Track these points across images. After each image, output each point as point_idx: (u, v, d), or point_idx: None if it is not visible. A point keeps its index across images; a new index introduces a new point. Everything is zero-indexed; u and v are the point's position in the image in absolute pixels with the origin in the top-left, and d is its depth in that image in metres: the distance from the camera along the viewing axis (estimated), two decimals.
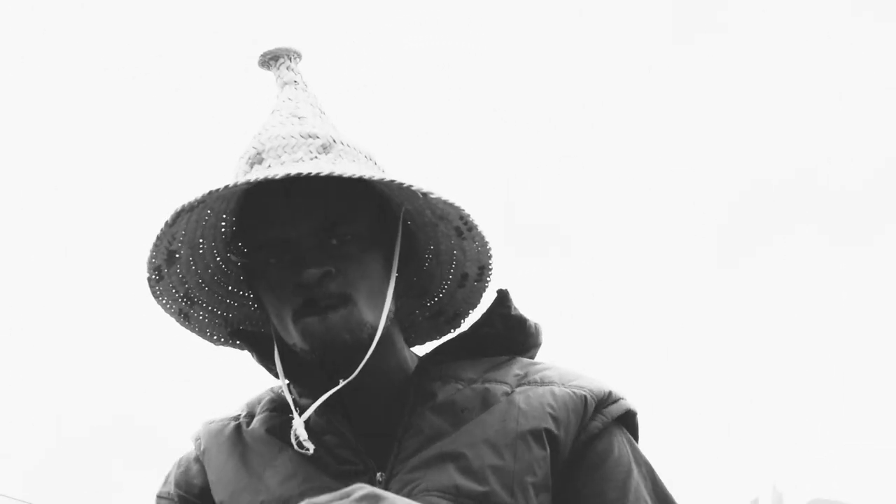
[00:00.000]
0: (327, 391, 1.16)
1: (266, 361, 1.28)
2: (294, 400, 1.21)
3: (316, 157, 1.16)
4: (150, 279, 1.21)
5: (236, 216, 1.25)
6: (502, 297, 1.27)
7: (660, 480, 1.22)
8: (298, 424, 1.14)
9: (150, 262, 1.20)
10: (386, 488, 1.12)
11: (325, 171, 1.11)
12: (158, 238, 1.17)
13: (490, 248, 1.24)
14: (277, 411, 1.26)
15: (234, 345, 1.32)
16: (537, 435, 1.15)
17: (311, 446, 1.13)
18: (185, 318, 1.28)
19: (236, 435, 1.25)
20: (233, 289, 1.30)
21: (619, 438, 1.20)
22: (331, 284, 1.13)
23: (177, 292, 1.25)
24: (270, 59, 1.30)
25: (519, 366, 1.25)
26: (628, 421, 1.23)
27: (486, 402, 1.19)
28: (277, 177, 1.10)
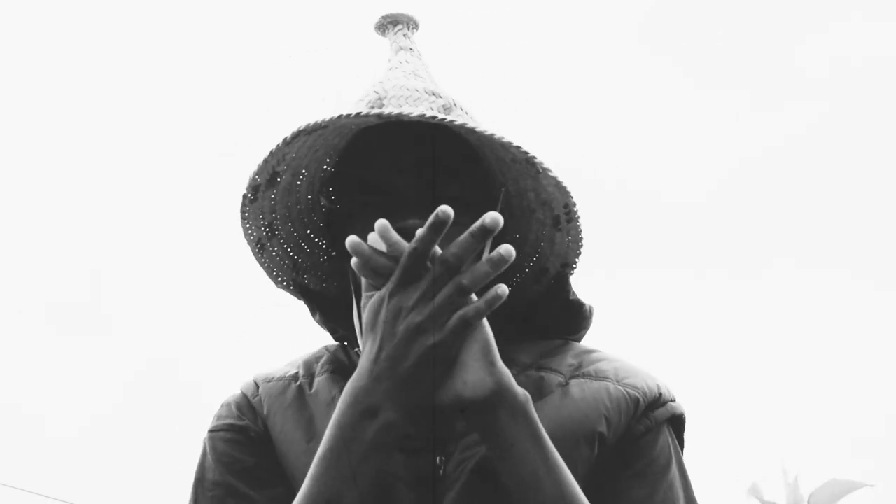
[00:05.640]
0: None
1: (326, 320, 1.29)
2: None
3: (437, 114, 1.15)
4: (245, 196, 1.21)
5: (339, 157, 1.25)
6: (563, 280, 1.27)
7: (692, 490, 1.21)
8: None
9: (252, 179, 1.20)
10: (444, 469, 1.13)
11: (458, 122, 1.13)
12: (271, 154, 1.17)
13: (582, 245, 1.24)
14: (339, 373, 1.23)
15: (294, 292, 1.32)
16: (590, 438, 1.15)
17: None
18: (261, 248, 1.27)
19: (300, 399, 1.22)
20: (310, 233, 1.30)
21: (662, 439, 1.20)
22: None
23: (263, 219, 1.25)
24: (389, 23, 1.30)
25: (573, 353, 1.24)
26: (675, 423, 1.23)
27: (541, 391, 1.18)
28: (412, 115, 1.11)
